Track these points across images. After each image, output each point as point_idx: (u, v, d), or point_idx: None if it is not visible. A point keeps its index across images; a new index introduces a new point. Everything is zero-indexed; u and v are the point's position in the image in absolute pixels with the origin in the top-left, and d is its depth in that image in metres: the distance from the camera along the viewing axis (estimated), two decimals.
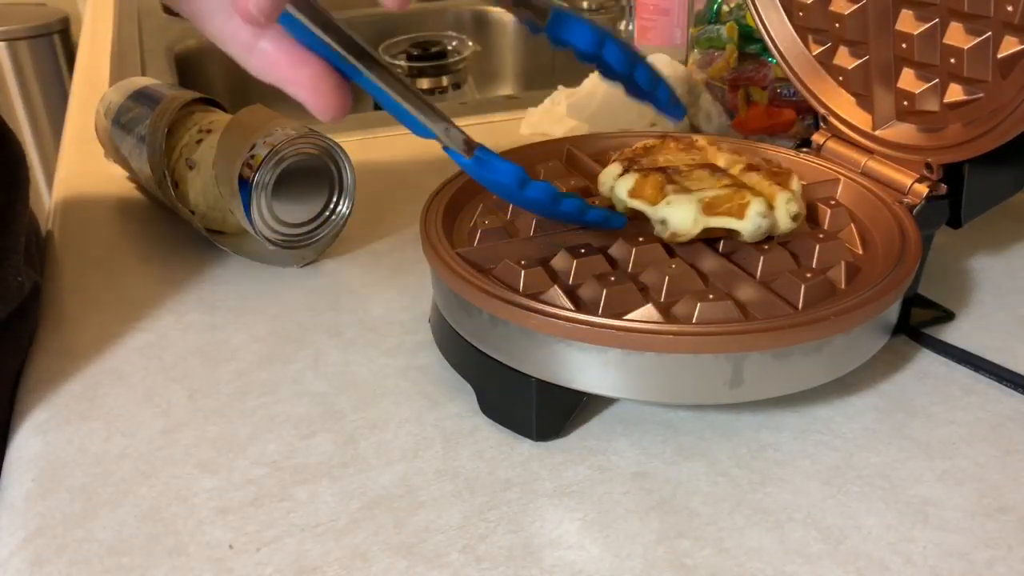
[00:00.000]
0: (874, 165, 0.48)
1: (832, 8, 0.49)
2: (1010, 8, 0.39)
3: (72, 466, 0.39)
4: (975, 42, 0.41)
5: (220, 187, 0.54)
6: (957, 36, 0.42)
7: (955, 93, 0.44)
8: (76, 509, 0.37)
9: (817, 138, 0.52)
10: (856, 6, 0.47)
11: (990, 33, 0.41)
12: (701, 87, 0.70)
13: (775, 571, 0.33)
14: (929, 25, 0.44)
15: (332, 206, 0.55)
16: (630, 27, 1.02)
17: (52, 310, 0.51)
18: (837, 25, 0.49)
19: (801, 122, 0.64)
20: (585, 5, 1.14)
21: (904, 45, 0.45)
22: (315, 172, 0.54)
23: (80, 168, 0.69)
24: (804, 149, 0.53)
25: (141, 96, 0.62)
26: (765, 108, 0.65)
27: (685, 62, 0.73)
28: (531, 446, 0.40)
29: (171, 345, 0.47)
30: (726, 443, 0.40)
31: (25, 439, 0.41)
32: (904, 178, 0.46)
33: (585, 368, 0.37)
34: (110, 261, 0.56)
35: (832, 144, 0.51)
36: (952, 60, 0.43)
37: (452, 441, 0.40)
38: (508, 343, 0.39)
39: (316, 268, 0.55)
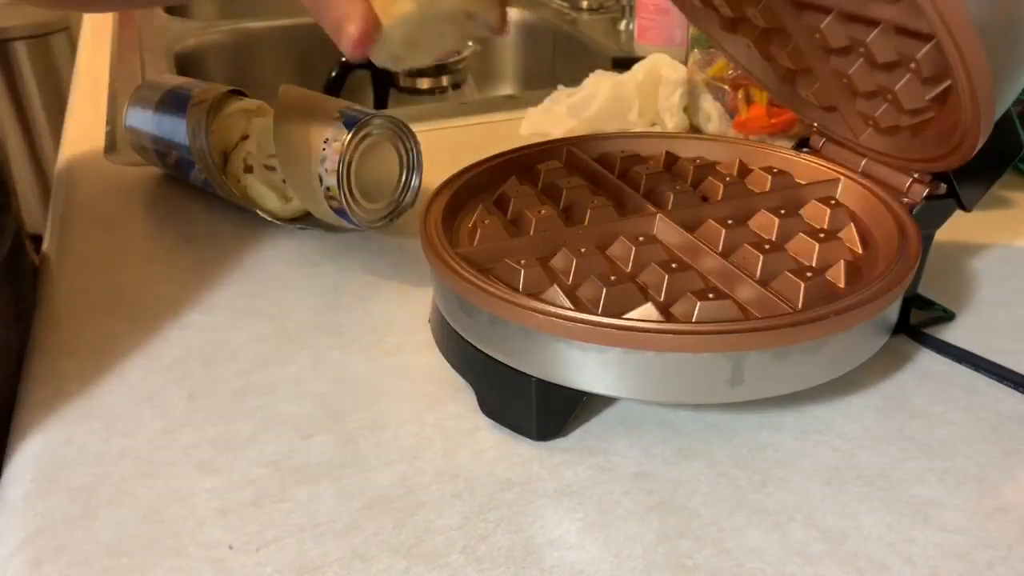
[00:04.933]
0: (874, 165, 0.48)
1: (772, 46, 0.49)
2: (914, 65, 0.39)
3: (72, 466, 0.39)
4: (902, 82, 0.42)
5: (296, 190, 0.55)
6: (885, 78, 0.43)
7: (907, 118, 0.44)
8: (76, 509, 0.37)
9: (816, 138, 0.52)
10: (789, 47, 0.47)
11: (911, 75, 0.41)
12: (701, 87, 0.70)
13: (775, 571, 0.33)
14: (857, 66, 0.44)
15: (403, 170, 0.56)
16: (630, 27, 1.02)
17: (51, 310, 0.51)
18: (782, 59, 0.49)
19: (801, 122, 0.64)
20: (585, 5, 1.14)
21: (844, 80, 0.45)
22: (379, 146, 0.55)
23: (80, 168, 0.69)
24: (804, 149, 0.53)
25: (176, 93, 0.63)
26: (765, 108, 0.65)
27: (685, 62, 0.73)
28: (531, 446, 0.40)
29: (171, 345, 0.47)
30: (726, 443, 0.40)
31: (25, 439, 0.41)
32: (903, 178, 0.46)
33: (585, 368, 0.37)
34: (110, 261, 0.56)
35: (832, 144, 0.51)
36: (889, 96, 0.43)
37: (452, 441, 0.40)
38: (508, 343, 0.39)
39: (316, 268, 0.55)
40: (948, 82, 0.40)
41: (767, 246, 0.43)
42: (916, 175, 0.45)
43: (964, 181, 0.44)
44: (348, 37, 0.40)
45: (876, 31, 0.41)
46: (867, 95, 0.45)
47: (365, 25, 0.40)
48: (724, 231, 0.44)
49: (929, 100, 0.41)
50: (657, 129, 0.71)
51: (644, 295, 0.41)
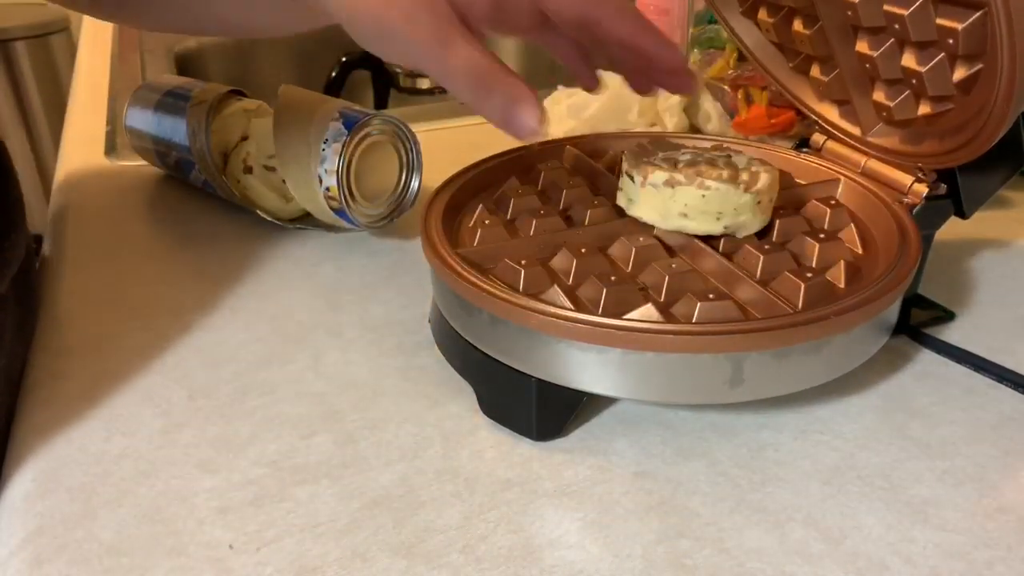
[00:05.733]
0: (874, 165, 0.48)
1: (794, 28, 0.49)
2: (951, 41, 0.39)
3: (72, 466, 0.39)
4: (931, 64, 0.42)
5: (296, 191, 0.55)
6: (913, 60, 0.42)
7: (927, 107, 0.44)
8: (76, 509, 0.37)
9: (817, 138, 0.52)
10: (815, 27, 0.47)
11: (943, 55, 0.41)
12: (701, 87, 0.70)
13: (775, 571, 0.33)
14: (886, 47, 0.44)
15: (402, 170, 0.57)
16: None
17: (51, 309, 0.51)
18: (802, 43, 0.49)
19: (801, 122, 0.64)
20: None
21: (868, 65, 0.45)
22: (379, 146, 0.56)
23: (80, 168, 0.69)
24: (804, 149, 0.53)
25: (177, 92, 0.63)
26: (765, 108, 0.65)
27: None
28: (531, 446, 0.40)
29: (171, 345, 0.47)
30: (726, 443, 0.40)
31: (25, 439, 0.41)
32: (904, 178, 0.46)
33: (585, 368, 0.37)
34: (110, 261, 0.56)
35: (832, 144, 0.51)
36: (914, 81, 0.43)
37: (452, 441, 0.40)
38: (508, 343, 0.39)
39: (316, 268, 0.55)
40: (980, 65, 0.39)
41: (767, 246, 0.43)
42: (918, 175, 0.45)
43: (968, 183, 0.44)
44: (521, 127, 0.38)
45: (917, 4, 0.40)
46: (888, 82, 0.45)
47: (535, 107, 0.37)
48: None
49: (955, 85, 0.41)
50: (657, 129, 0.71)
51: (644, 295, 0.41)
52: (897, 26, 0.41)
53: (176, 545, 0.35)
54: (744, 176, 0.43)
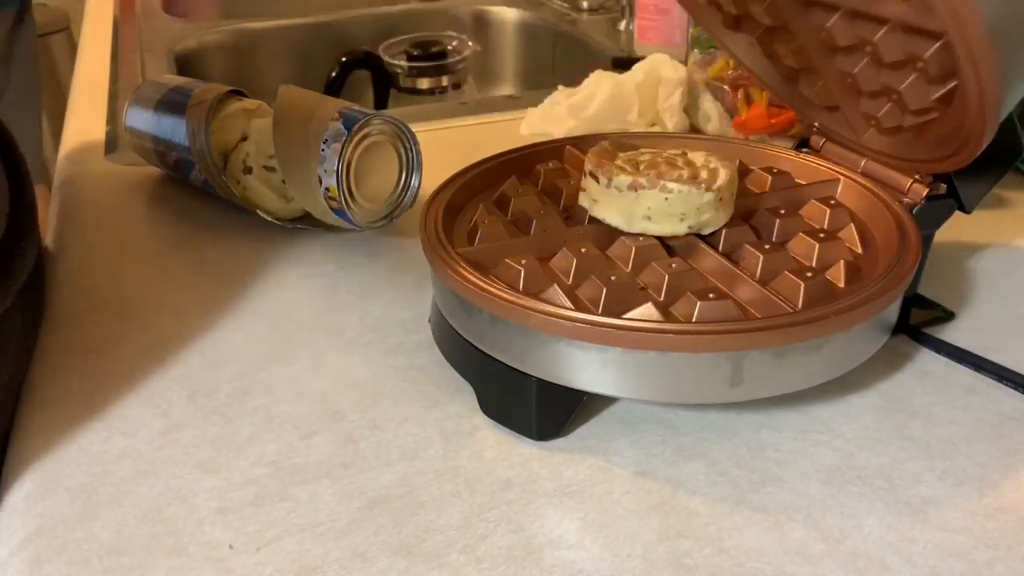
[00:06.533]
0: (874, 165, 0.48)
1: (776, 44, 0.49)
2: (921, 64, 0.39)
3: (72, 466, 0.39)
4: (908, 81, 0.42)
5: (296, 191, 0.55)
6: (890, 77, 0.43)
7: (911, 117, 0.44)
8: (76, 509, 0.37)
9: (816, 138, 0.52)
10: (795, 43, 0.47)
11: (918, 73, 0.41)
12: (701, 87, 0.70)
13: (775, 571, 0.33)
14: (863, 64, 0.44)
15: (402, 170, 0.57)
16: (630, 27, 1.02)
17: (52, 310, 0.51)
18: (785, 57, 0.49)
19: (801, 122, 0.64)
20: (585, 5, 1.13)
21: (849, 80, 0.45)
22: (378, 146, 0.56)
23: (80, 168, 0.69)
24: (804, 149, 0.53)
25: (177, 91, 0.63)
26: (765, 108, 0.65)
27: (685, 62, 0.73)
28: (531, 446, 0.40)
29: (171, 345, 0.47)
30: (726, 443, 0.40)
31: (25, 439, 0.41)
32: (903, 178, 0.46)
33: (585, 368, 0.37)
34: (110, 261, 0.56)
35: (832, 144, 0.51)
36: (894, 96, 0.43)
37: (452, 441, 0.40)
38: (508, 343, 0.39)
39: (316, 268, 0.55)
40: (955, 82, 0.40)
41: (767, 246, 0.43)
42: (917, 176, 0.45)
43: (964, 183, 0.44)
44: None
45: (884, 29, 0.41)
46: (871, 95, 0.45)
47: None
48: (724, 231, 0.44)
49: (935, 100, 0.41)
50: (657, 129, 0.71)
51: (644, 295, 0.41)
52: (869, 48, 0.42)
53: (176, 545, 0.35)
54: (703, 175, 0.43)
